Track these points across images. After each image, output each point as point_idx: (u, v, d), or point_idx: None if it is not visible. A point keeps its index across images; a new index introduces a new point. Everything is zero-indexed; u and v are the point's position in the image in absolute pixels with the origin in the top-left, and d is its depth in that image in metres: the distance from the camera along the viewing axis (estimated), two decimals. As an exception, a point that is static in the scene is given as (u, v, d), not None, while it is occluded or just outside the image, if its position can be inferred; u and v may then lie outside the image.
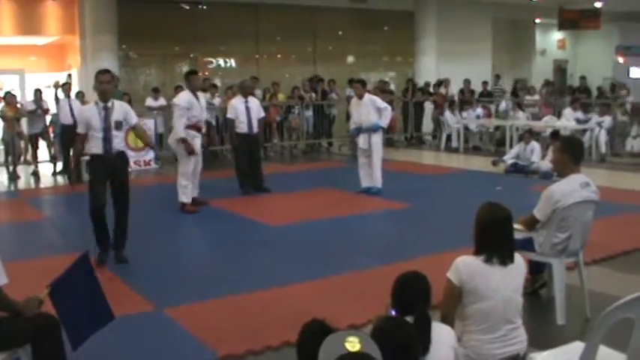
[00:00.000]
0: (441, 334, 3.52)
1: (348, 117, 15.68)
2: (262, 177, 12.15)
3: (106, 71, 7.73)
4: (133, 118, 7.79)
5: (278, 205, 11.28)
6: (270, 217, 10.15)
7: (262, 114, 12.23)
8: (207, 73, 19.70)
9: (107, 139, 7.43)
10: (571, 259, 5.68)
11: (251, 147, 11.84)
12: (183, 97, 10.39)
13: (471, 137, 18.93)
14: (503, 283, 3.90)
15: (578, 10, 24.56)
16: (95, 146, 7.47)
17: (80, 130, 7.58)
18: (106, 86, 7.50)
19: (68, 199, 12.71)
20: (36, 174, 15.22)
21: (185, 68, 20.35)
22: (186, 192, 10.42)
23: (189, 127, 10.31)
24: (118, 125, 7.51)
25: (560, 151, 5.54)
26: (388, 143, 12.57)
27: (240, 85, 12.48)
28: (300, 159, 17.92)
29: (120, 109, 7.61)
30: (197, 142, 10.56)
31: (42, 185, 14.41)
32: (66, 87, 14.68)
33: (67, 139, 14.17)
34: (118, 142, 7.53)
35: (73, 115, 13.98)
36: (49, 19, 18.82)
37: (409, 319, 3.40)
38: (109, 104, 7.49)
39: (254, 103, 11.98)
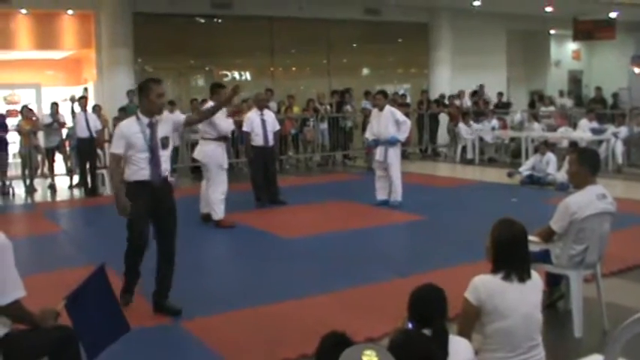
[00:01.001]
0: (459, 348, 3.50)
1: (363, 129, 15.66)
2: (278, 190, 12.16)
3: (160, 81, 6.38)
4: (181, 118, 6.71)
5: (294, 217, 11.29)
6: (285, 229, 10.15)
7: (277, 127, 12.25)
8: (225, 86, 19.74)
9: (155, 162, 6.10)
10: (588, 271, 5.64)
11: (266, 160, 11.87)
12: None
13: (486, 149, 18.89)
14: (522, 300, 3.85)
15: (592, 21, 24.52)
16: (138, 171, 6.10)
17: (117, 150, 6.12)
18: (163, 100, 6.28)
19: (85, 212, 12.81)
20: (52, 187, 15.31)
21: (200, 81, 20.49)
22: (222, 207, 10.28)
23: (216, 139, 10.28)
24: (165, 143, 6.21)
25: (576, 162, 5.52)
26: (403, 156, 12.56)
27: (256, 98, 12.51)
28: (316, 171, 17.92)
29: (164, 122, 6.25)
30: (225, 154, 10.53)
31: (58, 198, 14.49)
32: (82, 101, 14.76)
33: (84, 152, 14.28)
34: (165, 164, 6.20)
35: (89, 128, 14.11)
36: (65, 34, 18.97)
37: (426, 332, 3.40)
38: (154, 119, 6.14)
39: (269, 115, 12.00)
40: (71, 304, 4.16)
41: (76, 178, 15.40)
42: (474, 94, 21.54)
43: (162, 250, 6.20)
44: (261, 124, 11.70)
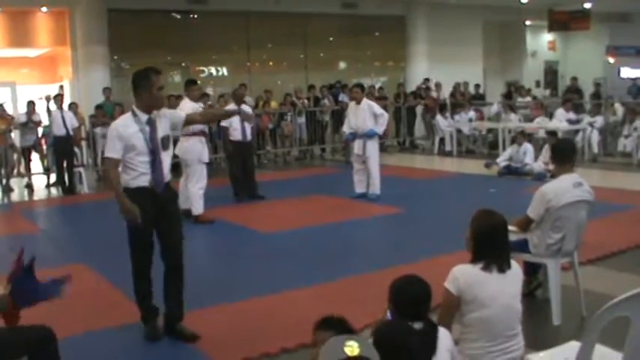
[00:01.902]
0: (440, 338, 3.52)
1: (340, 122, 15.67)
2: (256, 184, 12.16)
3: (160, 72, 5.59)
4: (180, 115, 5.89)
5: (272, 212, 11.28)
6: (264, 224, 10.14)
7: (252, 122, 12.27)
8: (199, 82, 19.70)
9: (157, 166, 5.38)
10: (566, 259, 5.70)
11: (244, 154, 11.87)
12: (188, 105, 10.38)
13: (463, 140, 18.95)
14: (502, 290, 3.88)
15: (567, 12, 24.68)
16: (138, 177, 5.35)
17: (114, 154, 5.30)
18: (161, 92, 5.54)
19: (62, 211, 12.72)
20: (29, 186, 15.19)
21: (177, 78, 20.38)
22: (201, 202, 10.30)
23: (195, 134, 10.28)
24: (166, 143, 5.48)
25: (551, 151, 5.60)
26: (381, 149, 12.59)
27: (233, 93, 12.50)
28: (294, 166, 17.92)
29: (163, 119, 5.50)
30: (206, 149, 10.54)
31: (35, 197, 14.38)
32: (58, 98, 14.65)
33: (61, 150, 14.16)
34: (167, 168, 5.49)
35: (66, 126, 13.99)
36: (39, 31, 18.84)
37: (411, 323, 3.40)
38: (153, 115, 5.42)
39: (247, 110, 12.00)
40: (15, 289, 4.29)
41: (53, 177, 15.30)
42: (452, 95, 21.55)
43: (170, 265, 5.51)
44: (239, 119, 11.68)
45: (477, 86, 22.62)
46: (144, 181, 5.33)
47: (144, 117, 5.35)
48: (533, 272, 6.02)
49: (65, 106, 14.84)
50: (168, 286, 5.52)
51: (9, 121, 15.48)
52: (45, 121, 15.37)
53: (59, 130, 14.05)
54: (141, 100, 5.40)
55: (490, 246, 3.95)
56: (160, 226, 5.44)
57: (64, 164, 14.19)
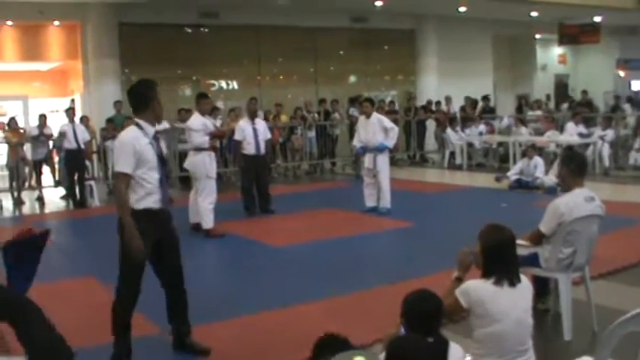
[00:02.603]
0: (454, 353, 3.50)
1: (351, 136, 15.67)
2: (270, 199, 12.15)
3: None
4: (167, 126, 5.43)
5: (283, 226, 11.29)
6: (275, 238, 10.16)
7: (269, 135, 12.28)
8: (209, 96, 19.76)
9: (164, 182, 5.14)
10: (577, 273, 5.67)
11: (258, 168, 11.88)
12: (197, 120, 10.43)
13: (474, 154, 18.93)
14: (513, 304, 3.86)
15: (577, 25, 24.65)
16: (147, 197, 5.04)
17: (127, 168, 4.93)
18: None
19: (73, 224, 12.76)
20: (40, 199, 15.24)
21: (187, 91, 20.46)
22: (212, 216, 10.31)
23: (205, 149, 10.33)
24: (165, 160, 5.32)
25: (562, 165, 5.57)
26: (391, 162, 12.57)
27: (247, 107, 12.52)
28: (304, 179, 17.93)
29: (160, 133, 5.29)
30: (214, 164, 10.57)
31: (47, 210, 14.43)
32: (69, 112, 14.71)
33: (72, 164, 14.21)
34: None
35: (77, 140, 14.04)
36: (51, 45, 18.94)
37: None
38: (156, 130, 5.23)
39: (261, 124, 12.03)
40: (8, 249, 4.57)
41: (64, 190, 15.33)
42: (462, 109, 21.50)
43: (174, 283, 5.35)
44: (253, 133, 11.72)
45: (487, 99, 22.57)
46: (152, 201, 5.03)
47: (151, 130, 5.09)
48: (542, 293, 5.95)
49: (77, 119, 14.89)
50: (175, 304, 5.39)
51: (21, 134, 15.56)
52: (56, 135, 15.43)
53: (70, 144, 14.11)
54: (152, 111, 5.12)
55: (499, 261, 3.95)
56: (163, 247, 5.20)
57: (75, 177, 14.25)
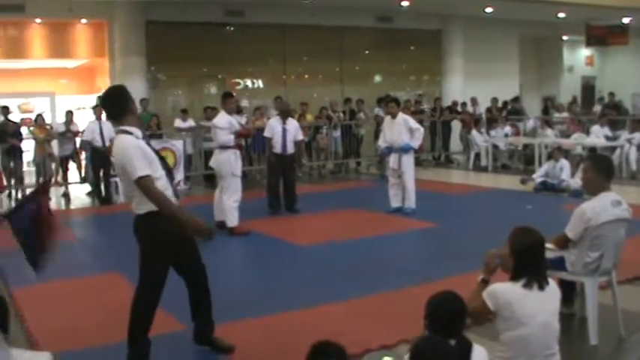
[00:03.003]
0: (478, 356, 3.50)
1: (376, 136, 15.64)
2: (295, 198, 12.17)
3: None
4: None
5: (307, 225, 11.30)
6: (299, 237, 10.16)
7: (300, 137, 12.37)
8: (235, 94, 19.83)
9: (172, 181, 5.24)
10: (603, 278, 5.62)
11: (285, 167, 11.93)
12: (223, 119, 10.47)
13: (499, 156, 18.84)
14: (541, 308, 3.85)
15: (605, 27, 24.46)
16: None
17: (147, 170, 4.90)
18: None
19: (99, 220, 12.84)
20: (66, 195, 15.35)
21: (213, 89, 20.54)
22: (236, 214, 10.36)
23: (230, 147, 10.39)
24: (161, 157, 5.30)
25: (590, 169, 5.51)
26: (416, 163, 12.55)
27: (279, 107, 12.52)
28: (329, 179, 17.93)
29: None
30: (239, 162, 10.61)
31: (72, 206, 14.53)
32: (97, 109, 14.80)
33: (98, 161, 14.30)
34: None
35: (103, 137, 14.13)
36: (79, 42, 19.10)
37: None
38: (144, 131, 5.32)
39: (292, 125, 12.07)
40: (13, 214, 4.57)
41: (89, 187, 15.43)
42: (489, 110, 21.38)
43: (198, 283, 5.37)
44: (282, 133, 11.80)
45: (514, 100, 22.46)
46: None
47: (139, 133, 5.02)
48: (568, 297, 5.89)
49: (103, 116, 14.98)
50: (199, 303, 5.37)
51: (48, 130, 15.70)
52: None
53: (97, 141, 14.21)
54: (132, 113, 5.08)
55: (529, 263, 3.94)
56: (182, 251, 5.16)
57: (101, 174, 14.35)
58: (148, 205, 4.86)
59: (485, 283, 4.13)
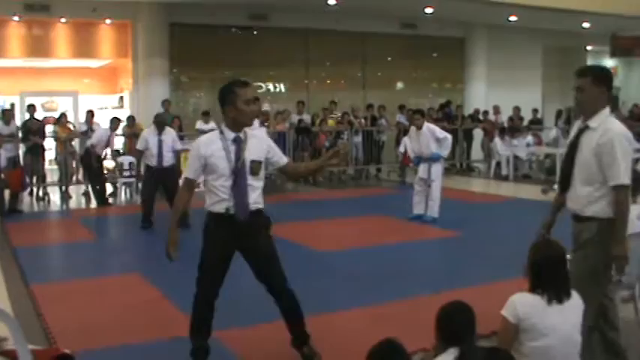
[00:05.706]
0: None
1: (397, 143, 15.61)
2: (185, 212, 11.33)
3: (247, 84, 5.12)
4: (282, 160, 5.26)
5: (328, 231, 11.27)
6: (320, 242, 10.13)
7: (179, 146, 11.99)
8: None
9: (240, 191, 4.88)
10: (626, 291, 5.57)
11: (165, 180, 11.37)
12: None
13: (520, 165, 18.75)
14: (563, 320, 3.81)
15: (631, 37, 24.32)
16: (219, 202, 4.89)
17: (189, 174, 4.98)
18: (254, 108, 5.07)
19: (118, 220, 12.88)
20: (87, 194, 15.40)
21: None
22: None
23: None
24: (255, 168, 4.96)
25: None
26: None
27: (156, 119, 11.96)
28: (349, 185, 17.91)
29: (257, 141, 5.06)
30: None
31: (92, 205, 14.57)
32: (115, 121, 14.77)
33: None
34: (255, 195, 5.01)
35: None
36: (102, 43, 19.24)
37: (453, 350, 3.39)
38: (242, 134, 4.95)
39: (169, 135, 11.78)
40: None
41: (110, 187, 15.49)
42: (511, 119, 21.26)
43: (271, 290, 5.34)
44: (158, 144, 11.44)
45: (535, 111, 22.37)
46: (224, 207, 4.86)
47: (230, 135, 4.87)
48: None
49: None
50: (285, 310, 5.41)
51: (70, 129, 15.80)
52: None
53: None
54: (227, 115, 4.95)
55: (548, 276, 3.90)
56: (249, 257, 5.21)
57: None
58: (207, 204, 4.99)
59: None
